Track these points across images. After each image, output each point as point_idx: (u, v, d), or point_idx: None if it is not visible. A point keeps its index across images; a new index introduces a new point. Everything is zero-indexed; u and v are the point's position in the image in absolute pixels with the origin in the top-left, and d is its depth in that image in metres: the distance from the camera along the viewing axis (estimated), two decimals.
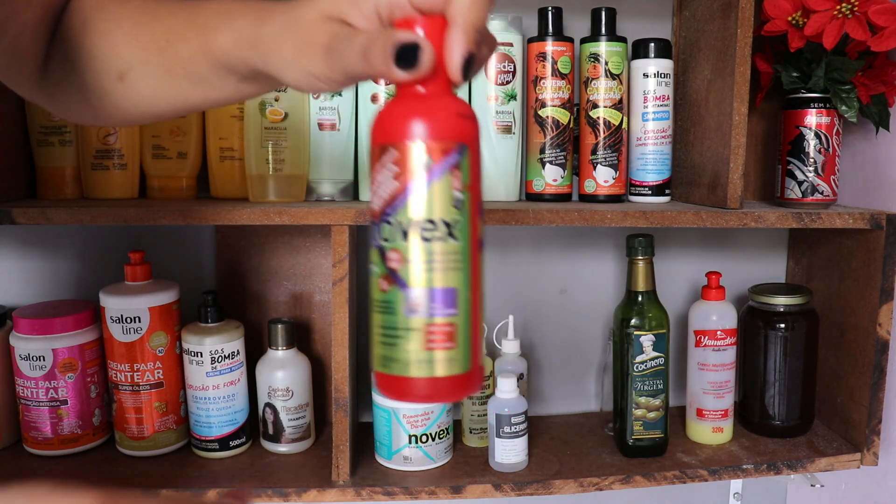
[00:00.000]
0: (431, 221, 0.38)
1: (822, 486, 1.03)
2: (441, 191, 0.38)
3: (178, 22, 0.46)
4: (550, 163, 0.92)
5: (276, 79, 0.43)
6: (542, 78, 0.91)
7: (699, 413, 0.97)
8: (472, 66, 0.38)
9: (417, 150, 0.38)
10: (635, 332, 0.89)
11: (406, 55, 0.37)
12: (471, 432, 0.96)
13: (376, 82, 0.88)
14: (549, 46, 0.90)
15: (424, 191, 0.38)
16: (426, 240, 0.38)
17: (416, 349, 0.38)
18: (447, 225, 0.38)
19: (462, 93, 0.89)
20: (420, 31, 0.38)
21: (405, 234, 0.38)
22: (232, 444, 0.91)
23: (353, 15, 0.39)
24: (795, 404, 0.97)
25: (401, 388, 0.39)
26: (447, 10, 0.37)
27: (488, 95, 0.90)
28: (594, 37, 0.92)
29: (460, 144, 0.38)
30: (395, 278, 0.38)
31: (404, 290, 0.38)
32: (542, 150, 0.92)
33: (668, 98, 0.93)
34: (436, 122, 0.38)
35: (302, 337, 1.00)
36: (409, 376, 0.38)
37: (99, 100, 0.50)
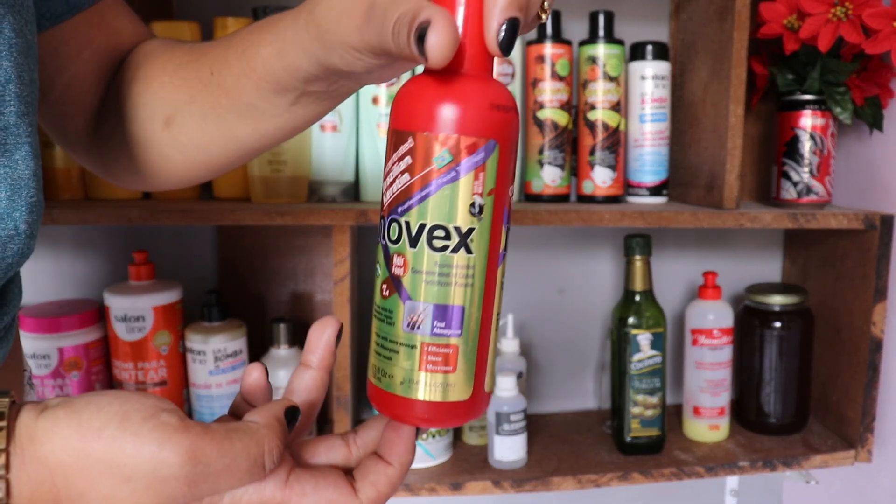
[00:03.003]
0: (444, 228, 0.33)
1: (816, 482, 1.04)
2: (458, 194, 0.32)
3: (221, 50, 0.43)
4: (549, 164, 0.93)
5: (324, 65, 0.36)
6: (540, 80, 0.92)
7: (696, 411, 0.98)
8: (514, 35, 0.31)
9: (435, 143, 0.32)
10: (633, 331, 0.91)
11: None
12: (470, 430, 0.98)
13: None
14: (548, 49, 0.91)
15: (439, 192, 0.32)
16: (435, 249, 0.33)
17: (410, 368, 0.34)
18: (461, 234, 0.33)
19: None
20: None
21: (413, 239, 0.33)
22: None
23: None
24: (791, 402, 0.98)
25: (390, 405, 0.35)
26: None
27: None
28: (592, 39, 0.93)
29: (488, 140, 0.32)
30: (398, 286, 0.34)
31: (405, 301, 0.34)
32: (541, 152, 0.93)
33: (665, 100, 0.94)
34: (462, 112, 0.32)
35: (303, 336, 1.01)
36: (399, 395, 0.34)
37: (145, 151, 0.47)
